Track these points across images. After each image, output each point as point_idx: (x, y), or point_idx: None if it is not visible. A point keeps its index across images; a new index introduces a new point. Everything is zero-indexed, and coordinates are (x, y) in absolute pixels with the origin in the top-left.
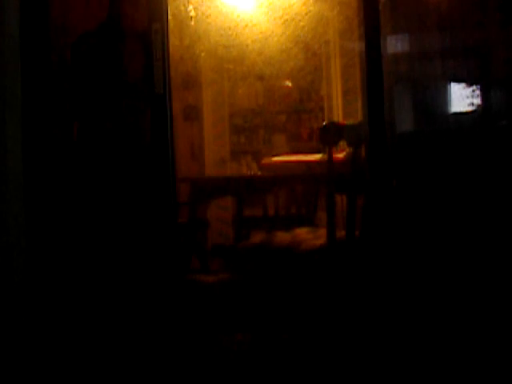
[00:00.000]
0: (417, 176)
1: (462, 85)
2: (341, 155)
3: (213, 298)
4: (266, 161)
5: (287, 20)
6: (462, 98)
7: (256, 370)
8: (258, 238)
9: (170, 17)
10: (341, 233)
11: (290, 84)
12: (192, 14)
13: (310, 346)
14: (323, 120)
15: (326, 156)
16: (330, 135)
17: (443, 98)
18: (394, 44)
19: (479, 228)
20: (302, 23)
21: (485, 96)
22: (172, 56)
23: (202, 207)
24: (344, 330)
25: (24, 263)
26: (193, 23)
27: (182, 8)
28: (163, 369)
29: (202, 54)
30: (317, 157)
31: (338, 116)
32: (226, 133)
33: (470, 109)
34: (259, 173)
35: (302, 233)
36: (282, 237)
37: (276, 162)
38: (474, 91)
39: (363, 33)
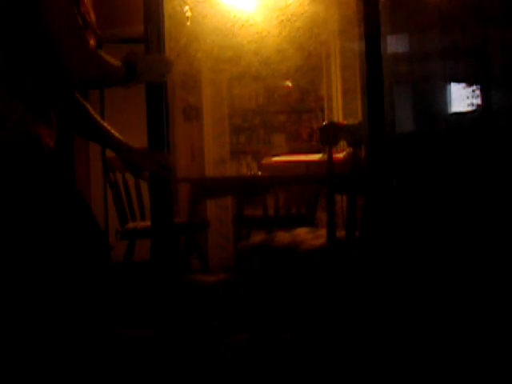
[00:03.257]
0: (417, 176)
1: (462, 85)
2: (341, 155)
3: (212, 298)
4: (265, 161)
5: (284, 20)
6: (461, 97)
7: (256, 371)
8: (257, 238)
9: (166, 17)
10: (341, 233)
11: (289, 84)
12: (188, 14)
13: (311, 345)
14: (323, 120)
15: (325, 156)
16: (330, 135)
17: (443, 97)
18: (394, 44)
19: (479, 227)
20: (299, 23)
21: (485, 96)
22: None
23: (202, 207)
24: (344, 330)
25: None
26: (189, 24)
27: (178, 9)
28: (163, 369)
29: (202, 55)
30: (317, 157)
31: (338, 116)
32: (226, 133)
33: (469, 109)
34: (259, 173)
35: (302, 233)
36: (282, 237)
37: (276, 162)
38: (474, 91)
39: (363, 32)
